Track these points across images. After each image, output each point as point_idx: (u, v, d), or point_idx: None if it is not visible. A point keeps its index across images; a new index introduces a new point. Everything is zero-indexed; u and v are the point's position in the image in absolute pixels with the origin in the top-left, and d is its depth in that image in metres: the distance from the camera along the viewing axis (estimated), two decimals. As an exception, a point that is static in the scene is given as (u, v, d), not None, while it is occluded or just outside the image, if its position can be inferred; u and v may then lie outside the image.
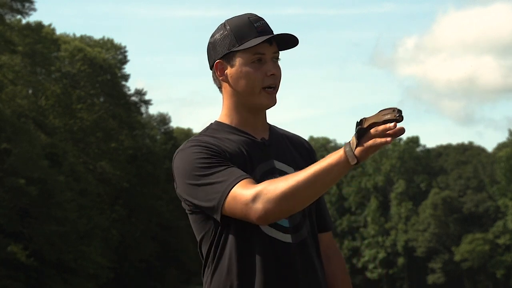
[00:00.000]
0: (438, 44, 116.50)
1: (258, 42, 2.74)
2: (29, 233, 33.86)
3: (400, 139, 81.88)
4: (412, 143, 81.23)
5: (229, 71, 2.81)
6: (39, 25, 42.84)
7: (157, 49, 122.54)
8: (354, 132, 2.59)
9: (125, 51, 52.47)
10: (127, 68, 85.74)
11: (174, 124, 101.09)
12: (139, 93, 52.71)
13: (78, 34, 52.43)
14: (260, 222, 2.64)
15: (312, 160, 2.99)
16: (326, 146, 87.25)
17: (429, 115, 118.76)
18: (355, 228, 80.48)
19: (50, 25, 45.98)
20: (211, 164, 2.69)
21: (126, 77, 51.47)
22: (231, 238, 2.75)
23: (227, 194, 2.64)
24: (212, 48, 2.85)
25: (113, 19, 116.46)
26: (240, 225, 2.73)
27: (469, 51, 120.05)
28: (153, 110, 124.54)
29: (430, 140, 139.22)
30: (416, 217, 76.85)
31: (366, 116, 2.60)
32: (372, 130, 2.55)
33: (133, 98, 52.28)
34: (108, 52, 51.38)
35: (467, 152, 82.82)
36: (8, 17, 39.18)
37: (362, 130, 2.56)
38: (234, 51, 2.79)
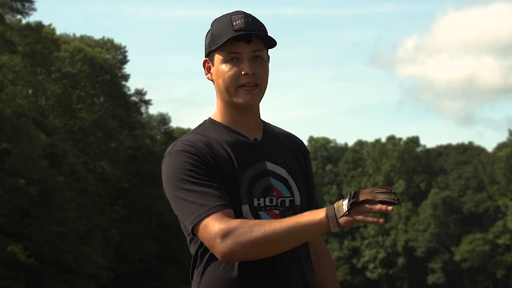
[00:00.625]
0: (438, 44, 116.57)
1: (224, 40, 2.74)
2: (29, 233, 33.86)
3: (400, 139, 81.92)
4: (412, 143, 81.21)
5: (212, 70, 2.83)
6: (39, 25, 42.83)
7: (157, 49, 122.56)
8: (346, 202, 2.57)
9: (125, 51, 52.46)
10: (127, 68, 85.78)
11: (174, 124, 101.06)
12: (139, 93, 52.69)
13: (78, 34, 52.44)
14: (224, 260, 2.65)
15: (306, 160, 2.98)
16: (326, 146, 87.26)
17: (429, 115, 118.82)
18: (355, 228, 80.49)
19: (50, 25, 45.98)
20: (194, 178, 2.68)
21: (126, 77, 51.46)
22: None
23: (200, 221, 2.64)
24: (204, 48, 2.88)
25: (113, 19, 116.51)
26: None
27: (469, 51, 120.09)
28: (153, 110, 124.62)
29: (430, 140, 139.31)
30: (416, 217, 76.85)
31: (361, 189, 2.59)
32: (367, 207, 2.54)
33: (133, 98, 52.26)
34: (108, 52, 51.36)
35: (467, 152, 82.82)
36: (8, 17, 39.18)
37: (356, 203, 2.56)
38: (212, 50, 2.80)
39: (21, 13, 38.94)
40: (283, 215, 2.79)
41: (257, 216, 2.74)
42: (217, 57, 2.79)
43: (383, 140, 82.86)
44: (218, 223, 2.61)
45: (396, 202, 2.52)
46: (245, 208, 2.74)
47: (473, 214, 75.49)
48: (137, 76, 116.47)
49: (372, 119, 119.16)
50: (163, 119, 61.75)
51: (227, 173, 2.74)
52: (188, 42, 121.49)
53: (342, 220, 2.56)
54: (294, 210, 2.84)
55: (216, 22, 2.83)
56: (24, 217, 33.92)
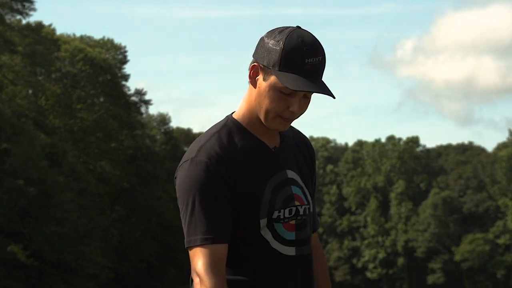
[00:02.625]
0: (437, 45, 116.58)
1: (292, 88, 2.65)
2: (29, 233, 33.86)
3: (400, 139, 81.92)
4: (412, 143, 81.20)
5: (260, 81, 2.74)
6: (39, 25, 42.82)
7: (157, 49, 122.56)
8: None
9: (125, 51, 52.46)
10: (127, 68, 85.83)
11: (174, 124, 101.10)
12: (139, 93, 52.70)
13: (78, 34, 52.42)
14: None
15: (312, 161, 2.98)
16: (326, 146, 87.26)
17: (428, 115, 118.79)
18: (355, 228, 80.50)
19: (50, 25, 45.99)
20: (207, 197, 2.69)
21: (126, 77, 51.45)
22: (231, 248, 2.75)
23: (192, 246, 2.68)
24: (261, 47, 2.74)
25: (113, 19, 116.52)
26: (239, 235, 2.74)
27: (468, 52, 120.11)
28: (153, 110, 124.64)
29: (430, 140, 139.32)
30: (416, 217, 76.85)
31: None
32: None
33: (133, 98, 52.27)
34: (108, 52, 51.36)
35: (467, 152, 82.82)
36: (8, 17, 39.17)
37: None
38: (271, 68, 2.70)
39: (21, 13, 38.94)
40: (302, 225, 2.82)
41: (272, 229, 2.76)
42: (273, 80, 2.70)
43: (383, 140, 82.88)
44: (202, 262, 2.66)
45: None
46: (263, 222, 2.75)
47: (473, 214, 75.49)
48: (137, 76, 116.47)
49: (372, 119, 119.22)
50: (163, 119, 61.78)
51: (247, 187, 2.74)
52: (188, 42, 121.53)
53: None
54: (310, 217, 2.87)
55: (289, 45, 2.66)
56: (24, 217, 33.93)
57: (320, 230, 79.21)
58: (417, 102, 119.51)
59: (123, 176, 46.33)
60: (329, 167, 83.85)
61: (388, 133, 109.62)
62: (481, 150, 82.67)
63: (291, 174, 2.83)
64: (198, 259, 2.65)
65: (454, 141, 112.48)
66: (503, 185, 70.79)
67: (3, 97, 37.95)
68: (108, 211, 44.91)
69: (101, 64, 47.47)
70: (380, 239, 77.90)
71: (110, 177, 45.86)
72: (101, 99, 48.66)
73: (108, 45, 52.02)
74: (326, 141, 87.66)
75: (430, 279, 75.97)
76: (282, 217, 2.77)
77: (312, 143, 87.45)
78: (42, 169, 34.50)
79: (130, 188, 46.71)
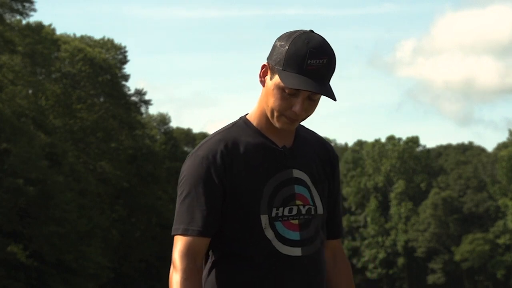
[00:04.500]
0: (437, 46, 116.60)
1: (292, 87, 2.69)
2: (29, 233, 33.86)
3: (400, 139, 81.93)
4: (412, 143, 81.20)
5: (267, 80, 2.79)
6: (39, 25, 42.81)
7: (157, 49, 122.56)
8: None
9: (125, 51, 52.44)
10: (127, 68, 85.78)
11: (174, 124, 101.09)
12: (139, 93, 52.70)
13: (78, 34, 52.37)
14: None
15: (333, 168, 2.97)
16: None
17: (428, 116, 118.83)
18: (355, 228, 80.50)
19: (50, 25, 45.96)
20: (197, 190, 2.76)
21: (126, 77, 51.44)
22: (232, 241, 2.78)
23: (175, 235, 2.77)
24: (272, 48, 2.80)
25: (113, 19, 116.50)
26: (243, 236, 2.77)
27: (468, 52, 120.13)
28: (153, 110, 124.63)
29: (430, 140, 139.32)
30: (416, 217, 76.84)
31: None
32: None
33: (133, 98, 52.27)
34: (108, 52, 51.34)
35: (467, 152, 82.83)
36: (8, 17, 39.17)
37: None
38: (278, 69, 2.75)
39: (21, 13, 38.94)
40: (306, 224, 2.83)
41: (273, 227, 2.77)
42: (277, 79, 2.75)
43: (383, 140, 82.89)
44: (178, 249, 2.74)
45: None
46: (264, 218, 2.77)
47: (473, 214, 75.49)
48: (137, 76, 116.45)
49: (372, 119, 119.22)
50: (163, 119, 61.76)
51: (248, 182, 2.77)
52: (188, 42, 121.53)
53: None
54: (317, 219, 2.87)
55: (293, 46, 2.72)
56: (24, 217, 33.93)
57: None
58: (417, 103, 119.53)
59: (123, 176, 46.33)
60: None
61: (388, 133, 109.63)
62: (481, 150, 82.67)
63: (297, 173, 2.84)
64: (176, 247, 2.74)
65: (454, 141, 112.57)
66: (503, 185, 70.78)
67: (3, 97, 37.94)
68: (108, 211, 44.90)
69: (101, 64, 47.47)
70: (380, 239, 77.90)
71: (110, 177, 45.85)
72: (101, 99, 48.66)
73: (108, 45, 51.99)
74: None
75: (430, 279, 75.97)
76: (280, 215, 2.78)
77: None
78: (42, 169, 34.50)
79: (130, 188, 46.70)
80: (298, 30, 2.78)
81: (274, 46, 2.78)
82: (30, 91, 42.41)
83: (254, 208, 2.76)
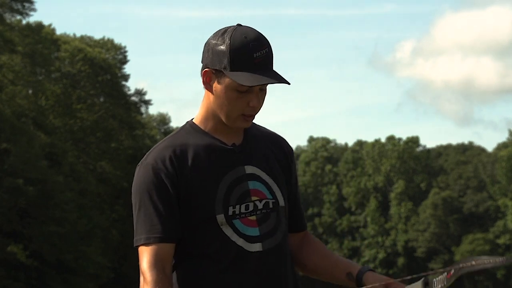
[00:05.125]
0: (436, 46, 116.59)
1: (246, 85, 2.69)
2: (29, 233, 33.86)
3: (400, 139, 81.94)
4: (412, 143, 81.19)
5: (215, 85, 2.77)
6: (39, 25, 42.81)
7: (157, 49, 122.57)
8: None
9: (125, 51, 52.44)
10: (127, 68, 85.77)
11: (174, 124, 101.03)
12: (139, 93, 52.71)
13: (78, 34, 52.37)
14: None
15: (288, 160, 2.96)
16: (326, 146, 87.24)
17: (428, 116, 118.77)
18: (355, 228, 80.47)
19: (50, 25, 45.95)
20: (152, 198, 2.75)
21: (126, 77, 51.45)
22: (192, 242, 2.77)
23: (139, 246, 2.77)
24: (208, 51, 2.79)
25: (113, 19, 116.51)
26: (201, 235, 2.76)
27: (467, 52, 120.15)
28: (153, 110, 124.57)
29: (430, 140, 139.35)
30: (416, 217, 76.84)
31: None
32: None
33: (133, 98, 52.27)
34: (108, 52, 51.34)
35: (467, 152, 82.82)
36: (8, 17, 39.17)
37: None
38: (223, 70, 2.74)
39: (21, 13, 38.95)
40: (264, 218, 2.81)
41: (232, 225, 2.76)
42: (227, 81, 2.74)
43: (383, 140, 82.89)
44: (145, 260, 2.72)
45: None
46: (220, 217, 2.76)
47: (473, 214, 75.49)
48: (137, 76, 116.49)
49: (372, 120, 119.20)
50: (163, 119, 61.79)
51: (201, 183, 2.76)
52: (188, 42, 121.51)
53: None
54: (278, 211, 2.85)
55: (234, 44, 2.71)
56: (23, 217, 33.93)
57: (320, 230, 79.28)
58: (416, 103, 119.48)
59: (123, 176, 46.32)
60: (329, 167, 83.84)
61: (388, 133, 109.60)
62: (481, 150, 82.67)
63: (251, 169, 2.83)
64: (143, 258, 2.72)
65: (454, 141, 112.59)
66: (503, 185, 70.78)
67: (3, 97, 37.94)
68: (108, 211, 44.90)
69: (101, 64, 47.47)
70: (380, 239, 77.89)
71: (110, 177, 45.85)
72: (101, 99, 48.66)
73: (108, 45, 51.99)
74: (326, 141, 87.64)
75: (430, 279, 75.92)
76: (237, 212, 2.77)
77: (312, 143, 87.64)
78: (42, 169, 34.51)
79: (130, 188, 46.35)
80: (226, 28, 2.78)
81: (209, 49, 2.76)
82: (30, 91, 42.40)
83: (209, 209, 2.75)
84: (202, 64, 2.82)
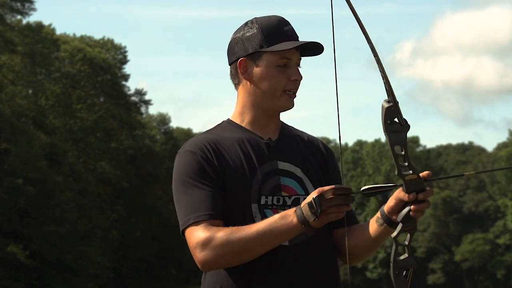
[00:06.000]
0: (436, 47, 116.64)
1: (289, 48, 2.79)
2: (28, 233, 33.86)
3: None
4: (412, 143, 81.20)
5: (253, 70, 2.83)
6: (39, 25, 42.82)
7: (157, 49, 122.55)
8: (313, 207, 2.60)
9: (125, 51, 52.44)
10: (127, 68, 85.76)
11: (174, 124, 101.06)
12: (139, 93, 52.72)
13: (78, 34, 52.37)
14: (202, 269, 2.76)
15: (327, 163, 2.98)
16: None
17: (428, 116, 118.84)
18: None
19: (50, 25, 45.95)
20: (195, 181, 2.76)
21: (126, 77, 51.45)
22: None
23: (187, 226, 2.72)
24: (237, 44, 2.86)
25: (113, 19, 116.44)
26: (234, 220, 2.76)
27: (467, 53, 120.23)
28: (153, 110, 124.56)
29: (430, 140, 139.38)
30: (416, 217, 76.81)
31: (322, 193, 2.65)
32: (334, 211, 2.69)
33: (133, 98, 52.27)
34: (108, 52, 51.34)
35: (467, 152, 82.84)
36: (8, 17, 39.17)
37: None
38: (262, 51, 2.81)
39: (21, 13, 38.95)
40: None
41: (263, 215, 2.78)
42: (267, 59, 2.82)
43: (383, 140, 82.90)
44: (201, 231, 2.68)
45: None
46: (254, 206, 2.79)
47: (473, 214, 75.49)
48: (137, 76, 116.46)
49: (372, 119, 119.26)
50: (163, 119, 61.76)
51: (237, 172, 2.79)
52: (188, 42, 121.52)
53: (314, 223, 2.60)
54: None
55: (263, 23, 2.84)
56: (23, 217, 33.94)
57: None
58: (416, 103, 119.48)
59: (123, 176, 46.33)
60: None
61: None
62: (481, 150, 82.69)
63: (283, 165, 2.85)
64: (197, 233, 2.69)
65: (454, 141, 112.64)
66: (503, 185, 70.75)
67: (3, 97, 37.94)
68: (108, 211, 44.90)
69: (101, 64, 47.48)
70: (380, 239, 77.89)
71: (110, 177, 45.86)
72: (101, 99, 48.67)
73: (108, 45, 51.99)
74: (326, 141, 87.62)
75: (430, 279, 75.96)
76: (270, 203, 2.80)
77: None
78: (42, 169, 34.51)
79: (130, 188, 46.71)
80: (244, 22, 2.89)
81: (238, 41, 2.86)
82: (30, 91, 42.40)
83: (244, 198, 2.77)
84: (230, 66, 2.90)
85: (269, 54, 2.80)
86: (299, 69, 2.86)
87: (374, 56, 2.64)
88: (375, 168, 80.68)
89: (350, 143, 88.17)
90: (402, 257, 2.67)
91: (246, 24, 2.86)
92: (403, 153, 2.75)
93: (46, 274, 34.51)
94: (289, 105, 2.85)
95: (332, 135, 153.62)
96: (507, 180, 69.43)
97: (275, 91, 2.81)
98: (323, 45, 2.85)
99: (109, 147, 46.89)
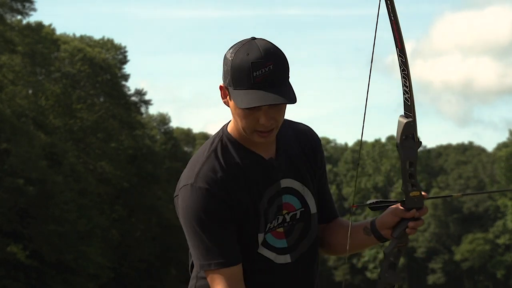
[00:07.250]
0: (436, 47, 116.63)
1: (242, 107, 2.64)
2: (28, 233, 33.86)
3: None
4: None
5: (228, 101, 2.74)
6: (39, 25, 42.81)
7: (157, 49, 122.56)
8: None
9: (125, 51, 52.43)
10: (127, 68, 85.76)
11: (174, 124, 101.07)
12: (139, 93, 52.71)
13: (78, 34, 52.36)
14: None
15: (315, 152, 2.94)
16: (326, 146, 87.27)
17: (428, 116, 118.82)
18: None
19: (50, 25, 45.95)
20: (213, 223, 2.71)
21: (126, 77, 51.44)
22: None
23: (207, 271, 2.73)
24: (223, 66, 2.75)
25: (113, 19, 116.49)
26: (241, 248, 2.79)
27: (467, 53, 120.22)
28: (153, 110, 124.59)
29: (430, 140, 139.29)
30: (416, 217, 76.82)
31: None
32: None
33: (133, 98, 52.27)
34: (108, 52, 51.33)
35: (467, 152, 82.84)
36: (8, 17, 39.17)
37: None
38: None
39: (21, 13, 38.96)
40: (290, 230, 2.84)
41: (265, 243, 2.80)
42: (234, 99, 2.70)
43: (383, 140, 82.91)
44: (226, 285, 2.70)
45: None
46: (261, 236, 2.79)
47: (473, 214, 75.50)
48: (137, 76, 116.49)
49: (372, 119, 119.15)
50: (163, 119, 61.75)
51: (248, 202, 2.77)
52: (188, 42, 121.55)
53: None
54: (307, 219, 2.87)
55: (235, 62, 2.66)
56: (23, 217, 33.94)
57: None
58: (416, 103, 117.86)
59: (123, 176, 46.32)
60: (329, 167, 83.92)
61: (388, 133, 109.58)
62: (481, 150, 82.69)
63: (286, 182, 2.83)
64: (218, 283, 2.71)
65: (454, 141, 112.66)
66: (502, 185, 70.72)
67: (3, 97, 37.94)
68: (108, 211, 44.90)
69: (101, 64, 47.47)
70: (380, 239, 77.89)
71: (110, 177, 45.85)
72: (101, 99, 48.66)
73: (108, 45, 51.98)
74: (326, 141, 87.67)
75: (430, 279, 75.97)
76: (272, 226, 2.80)
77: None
78: (42, 169, 34.51)
79: (130, 188, 46.69)
80: (241, 41, 2.72)
81: (223, 65, 2.73)
82: (30, 91, 42.40)
83: (254, 228, 2.77)
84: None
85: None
86: (276, 107, 2.67)
87: (401, 71, 2.62)
88: (375, 168, 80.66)
89: (350, 143, 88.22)
90: (389, 274, 2.78)
91: (234, 49, 2.70)
92: (412, 169, 2.85)
93: (46, 274, 34.51)
94: (262, 141, 2.74)
95: (332, 135, 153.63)
96: (507, 180, 69.39)
97: (244, 129, 2.72)
98: (288, 100, 2.64)
99: (109, 147, 46.88)
